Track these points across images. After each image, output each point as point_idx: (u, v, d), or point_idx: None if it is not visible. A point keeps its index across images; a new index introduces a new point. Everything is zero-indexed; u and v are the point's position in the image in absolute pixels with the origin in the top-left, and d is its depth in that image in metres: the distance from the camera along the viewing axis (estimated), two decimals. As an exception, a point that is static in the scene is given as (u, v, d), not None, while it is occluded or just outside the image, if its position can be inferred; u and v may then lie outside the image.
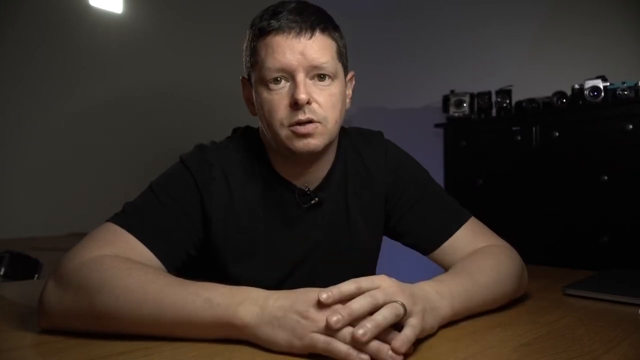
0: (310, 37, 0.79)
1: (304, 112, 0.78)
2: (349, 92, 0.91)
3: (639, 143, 2.05)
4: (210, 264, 0.88)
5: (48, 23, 2.49)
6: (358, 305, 0.55)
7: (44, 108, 2.47)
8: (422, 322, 0.59)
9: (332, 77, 0.81)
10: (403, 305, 0.56)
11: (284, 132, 0.80)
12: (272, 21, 0.79)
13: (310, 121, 0.79)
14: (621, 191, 2.07)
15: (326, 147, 0.84)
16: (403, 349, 0.53)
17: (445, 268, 0.87)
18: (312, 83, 0.80)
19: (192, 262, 0.93)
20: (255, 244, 0.86)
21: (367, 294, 0.57)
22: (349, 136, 0.96)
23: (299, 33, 0.78)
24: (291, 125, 0.79)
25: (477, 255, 0.82)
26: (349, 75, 0.91)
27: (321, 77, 0.80)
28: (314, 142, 0.80)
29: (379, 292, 0.57)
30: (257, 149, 0.90)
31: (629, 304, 0.80)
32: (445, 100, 2.71)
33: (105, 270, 0.63)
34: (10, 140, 2.37)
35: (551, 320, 0.72)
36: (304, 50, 0.78)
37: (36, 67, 2.44)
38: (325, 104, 0.80)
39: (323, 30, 0.81)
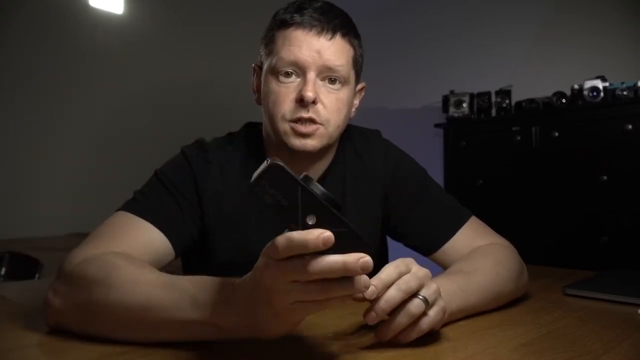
0: (330, 39, 0.80)
1: (307, 111, 0.79)
2: (357, 102, 0.92)
3: (639, 143, 2.05)
4: (201, 257, 0.89)
5: (48, 24, 2.49)
6: (391, 295, 0.55)
7: (44, 108, 2.47)
8: (442, 312, 0.59)
9: (343, 83, 0.82)
10: (425, 300, 0.56)
11: (283, 126, 0.80)
12: (295, 15, 0.80)
13: (311, 120, 0.79)
14: (621, 191, 2.08)
15: (324, 148, 0.84)
16: (409, 339, 0.56)
17: (445, 269, 0.87)
18: (322, 84, 0.81)
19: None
20: (245, 239, 0.86)
21: (400, 285, 0.55)
22: (350, 137, 0.96)
23: (319, 32, 0.79)
24: (292, 120, 0.79)
25: (475, 254, 0.81)
26: (360, 86, 0.91)
27: (332, 80, 0.81)
28: (312, 143, 0.80)
29: (412, 280, 0.56)
30: (256, 143, 0.91)
31: (629, 304, 0.80)
32: (445, 100, 2.72)
33: (103, 264, 0.63)
34: (10, 141, 2.37)
35: (551, 320, 0.72)
36: (321, 49, 0.79)
37: (36, 68, 2.44)
38: (330, 106, 0.81)
39: (344, 35, 0.82)
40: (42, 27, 2.46)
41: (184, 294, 0.55)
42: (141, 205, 0.79)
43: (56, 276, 0.67)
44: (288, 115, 0.80)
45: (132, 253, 0.70)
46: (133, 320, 0.57)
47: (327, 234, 0.42)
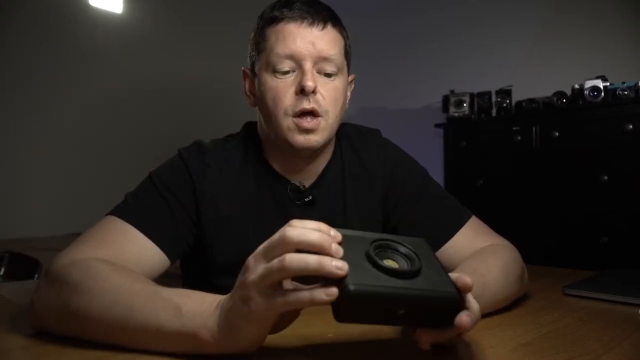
0: (322, 29, 0.81)
1: (309, 101, 0.79)
2: (349, 93, 0.91)
3: (639, 143, 2.05)
4: (198, 263, 0.88)
5: (48, 24, 2.49)
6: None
7: (44, 108, 2.47)
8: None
9: (337, 72, 0.83)
10: None
11: (286, 123, 0.80)
12: (284, 10, 0.81)
13: (313, 112, 0.79)
14: (621, 191, 2.07)
15: (325, 144, 0.84)
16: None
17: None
18: (318, 76, 0.81)
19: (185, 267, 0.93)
20: (245, 240, 0.85)
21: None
22: (347, 135, 0.95)
23: (311, 23, 0.80)
24: (295, 114, 0.79)
25: (485, 256, 0.80)
26: (350, 77, 0.91)
27: (327, 74, 0.82)
28: (315, 139, 0.80)
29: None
30: (253, 143, 0.90)
31: (629, 304, 0.79)
32: (445, 100, 2.72)
33: (87, 271, 0.62)
34: (10, 141, 2.37)
35: (551, 320, 0.71)
36: (315, 40, 0.79)
37: (36, 68, 2.44)
38: (328, 97, 0.81)
39: (334, 25, 0.83)
40: (42, 27, 2.46)
41: (167, 304, 0.54)
42: (133, 211, 0.77)
43: (42, 276, 0.67)
44: (290, 110, 0.79)
45: (120, 262, 0.68)
46: (114, 328, 0.56)
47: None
